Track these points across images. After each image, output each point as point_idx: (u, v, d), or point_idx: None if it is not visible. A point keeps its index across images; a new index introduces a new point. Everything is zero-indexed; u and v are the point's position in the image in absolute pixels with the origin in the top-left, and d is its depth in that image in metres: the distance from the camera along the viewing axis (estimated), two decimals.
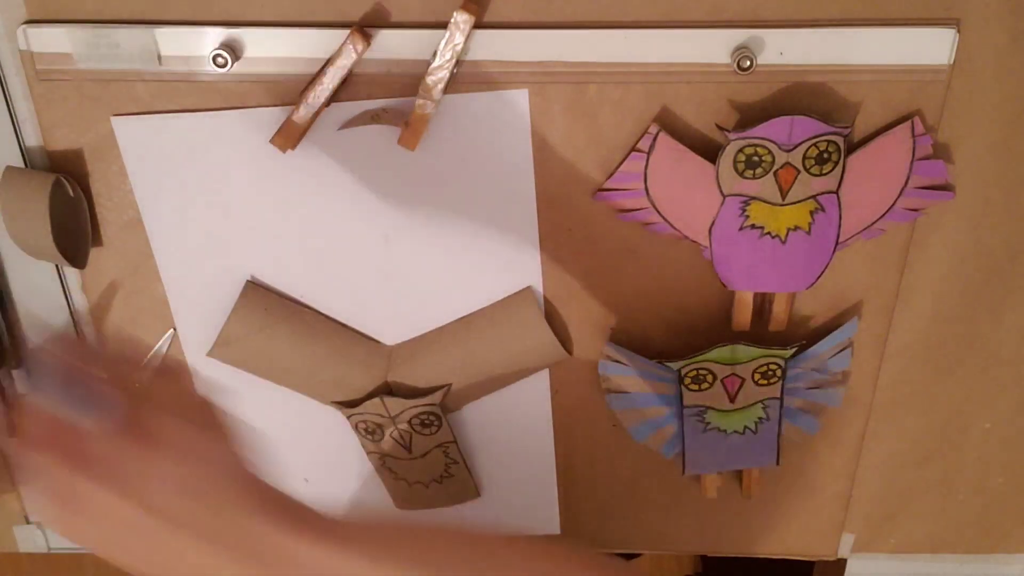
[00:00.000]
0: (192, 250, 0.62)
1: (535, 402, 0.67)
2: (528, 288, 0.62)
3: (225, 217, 0.61)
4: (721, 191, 0.56)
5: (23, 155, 0.59)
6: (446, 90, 0.54)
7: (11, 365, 0.66)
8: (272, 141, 0.57)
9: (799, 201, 0.56)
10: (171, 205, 0.60)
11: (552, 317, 0.64)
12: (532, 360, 0.65)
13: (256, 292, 0.63)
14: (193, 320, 0.64)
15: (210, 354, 0.65)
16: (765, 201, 0.56)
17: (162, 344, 0.65)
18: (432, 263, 0.62)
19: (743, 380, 0.63)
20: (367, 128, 0.57)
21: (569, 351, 0.65)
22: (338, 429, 0.69)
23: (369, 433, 0.67)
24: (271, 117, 0.57)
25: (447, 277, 0.62)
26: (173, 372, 0.51)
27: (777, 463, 0.67)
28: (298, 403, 0.67)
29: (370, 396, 0.65)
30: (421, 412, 0.65)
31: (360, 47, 0.53)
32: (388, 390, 0.65)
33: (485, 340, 0.64)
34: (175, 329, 0.65)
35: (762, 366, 0.62)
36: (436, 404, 0.64)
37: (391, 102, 0.56)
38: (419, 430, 0.66)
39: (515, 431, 0.68)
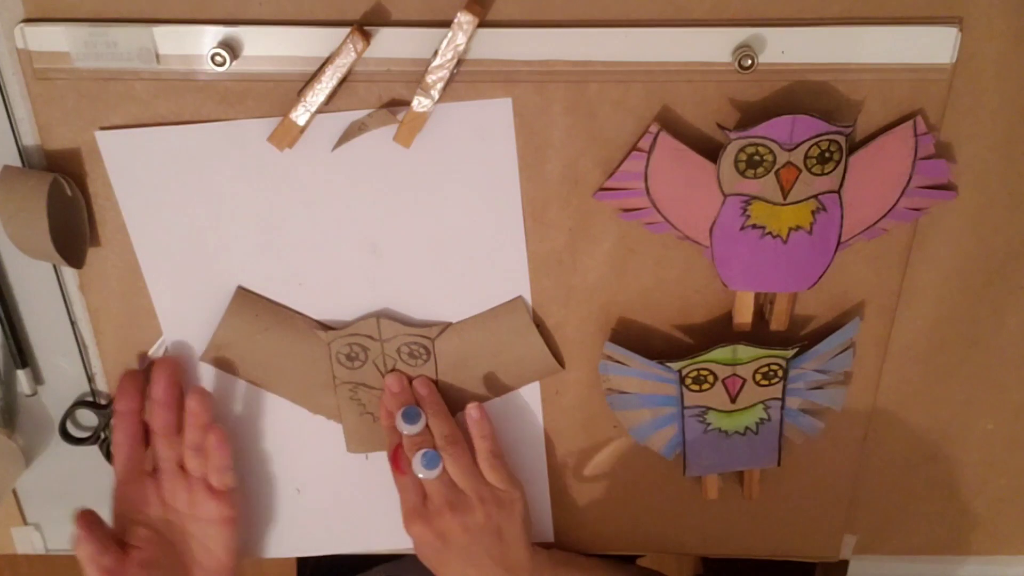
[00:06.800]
0: (179, 260, 0.62)
1: (526, 409, 0.67)
2: (519, 297, 0.62)
3: (211, 228, 0.61)
4: (722, 190, 0.56)
5: (20, 155, 0.59)
6: (444, 89, 0.54)
7: (16, 365, 0.65)
8: (269, 139, 0.56)
9: (800, 201, 0.56)
10: (157, 217, 0.60)
11: (549, 321, 0.64)
12: (524, 370, 0.65)
13: (247, 298, 0.63)
14: (181, 329, 0.64)
15: (203, 358, 0.65)
16: (766, 201, 0.56)
17: (156, 350, 0.65)
18: (420, 272, 0.62)
19: (744, 381, 0.62)
20: (354, 139, 0.57)
21: (561, 363, 0.65)
22: (330, 438, 0.68)
23: (349, 359, 0.65)
24: (258, 129, 0.57)
25: (436, 285, 0.62)
26: None
27: (778, 464, 0.67)
28: (290, 412, 0.67)
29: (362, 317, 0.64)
30: (412, 341, 0.64)
31: (360, 46, 0.53)
32: (384, 314, 0.65)
33: (476, 347, 0.64)
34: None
35: (763, 366, 0.62)
36: (430, 338, 0.64)
37: (372, 110, 0.56)
38: (405, 359, 0.65)
39: (506, 437, 0.68)
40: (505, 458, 0.66)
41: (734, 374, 0.62)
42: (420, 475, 0.63)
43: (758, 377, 0.62)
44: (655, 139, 0.55)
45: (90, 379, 0.67)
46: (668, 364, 0.62)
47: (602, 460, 0.69)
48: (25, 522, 0.74)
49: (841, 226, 0.57)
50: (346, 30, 0.53)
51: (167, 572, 0.65)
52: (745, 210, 0.56)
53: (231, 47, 0.54)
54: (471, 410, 0.65)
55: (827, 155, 0.54)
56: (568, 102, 0.56)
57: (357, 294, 0.63)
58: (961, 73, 0.54)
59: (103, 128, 0.57)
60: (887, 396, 0.66)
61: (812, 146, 0.54)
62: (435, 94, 0.54)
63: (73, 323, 0.65)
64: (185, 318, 0.64)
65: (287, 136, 0.56)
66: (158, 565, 0.64)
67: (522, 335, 0.63)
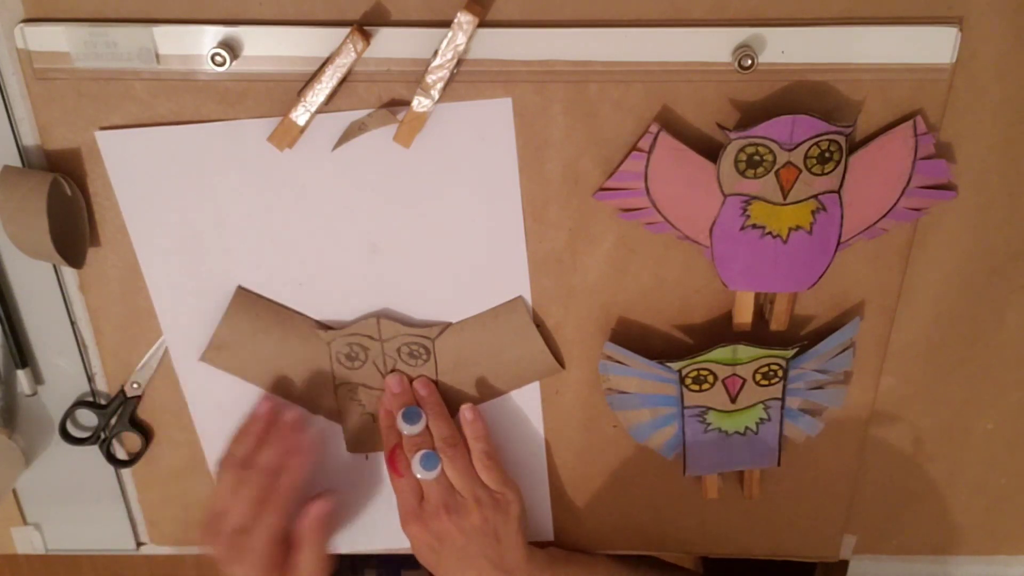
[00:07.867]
0: (179, 260, 0.62)
1: (527, 408, 0.67)
2: (519, 298, 0.62)
3: (211, 228, 0.61)
4: (722, 190, 0.56)
5: (20, 154, 0.59)
6: (444, 89, 0.54)
7: (16, 365, 0.65)
8: (269, 139, 0.56)
9: (800, 201, 0.56)
10: (157, 217, 0.60)
11: (549, 321, 0.64)
12: (524, 370, 0.65)
13: (247, 298, 0.63)
14: (181, 328, 0.64)
15: (203, 359, 0.65)
16: (766, 201, 0.56)
17: (156, 350, 0.65)
18: (420, 272, 0.62)
19: (744, 380, 0.62)
20: (354, 139, 0.57)
21: (561, 363, 0.65)
22: (330, 439, 0.68)
23: (349, 359, 0.65)
24: (258, 129, 0.57)
25: (436, 285, 0.62)
26: None
27: (778, 464, 0.67)
28: None
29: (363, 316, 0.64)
30: (412, 341, 0.64)
31: (360, 46, 0.53)
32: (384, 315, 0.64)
33: (476, 347, 0.64)
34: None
35: (763, 366, 0.62)
36: (430, 338, 0.64)
37: (372, 110, 0.56)
38: (405, 359, 0.65)
39: (506, 437, 0.68)
40: (500, 459, 0.66)
41: (734, 374, 0.62)
42: (419, 476, 0.63)
43: (758, 377, 0.62)
44: (655, 139, 0.55)
45: (90, 379, 0.67)
46: (668, 364, 0.62)
47: (602, 460, 0.69)
48: (25, 522, 0.74)
49: (841, 226, 0.57)
50: (346, 30, 0.53)
51: None
52: (745, 210, 0.56)
53: (231, 47, 0.54)
54: (464, 411, 0.65)
55: (827, 155, 0.54)
56: (568, 102, 0.56)
57: (357, 294, 0.63)
58: (961, 73, 0.54)
59: (103, 128, 0.57)
60: (887, 396, 0.66)
61: (812, 146, 0.54)
62: (435, 94, 0.54)
63: (73, 323, 0.65)
64: (185, 318, 0.64)
65: (287, 136, 0.56)
66: None
67: (522, 335, 0.63)
